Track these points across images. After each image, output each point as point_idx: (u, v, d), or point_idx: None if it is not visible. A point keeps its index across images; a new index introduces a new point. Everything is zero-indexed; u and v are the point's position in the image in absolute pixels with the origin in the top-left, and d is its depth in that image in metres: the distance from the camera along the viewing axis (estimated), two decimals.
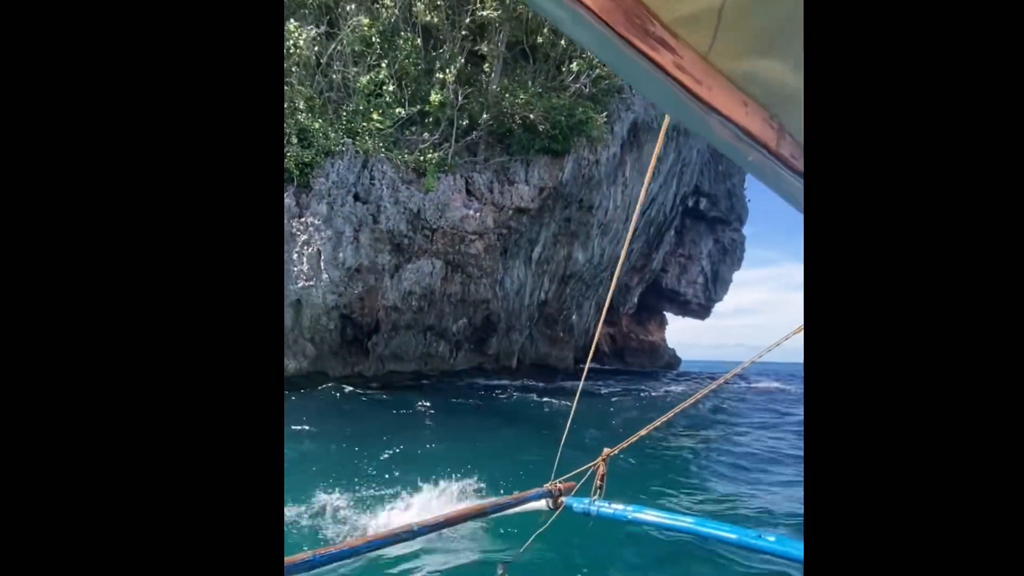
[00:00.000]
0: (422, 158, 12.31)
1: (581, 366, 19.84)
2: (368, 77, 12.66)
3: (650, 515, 2.01)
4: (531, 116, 13.45)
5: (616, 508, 2.06)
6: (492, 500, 2.03)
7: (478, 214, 12.49)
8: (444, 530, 1.76)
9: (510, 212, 13.44)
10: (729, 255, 36.13)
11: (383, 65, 12.84)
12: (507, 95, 13.45)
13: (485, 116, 12.95)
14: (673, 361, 37.94)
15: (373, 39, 12.83)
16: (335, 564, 1.40)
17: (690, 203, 29.31)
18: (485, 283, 12.61)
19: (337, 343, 10.39)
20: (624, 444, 2.19)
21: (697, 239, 34.01)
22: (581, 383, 2.31)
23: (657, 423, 2.21)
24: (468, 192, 13.01)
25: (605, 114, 14.97)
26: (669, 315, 38.33)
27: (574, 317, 19.42)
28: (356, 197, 10.99)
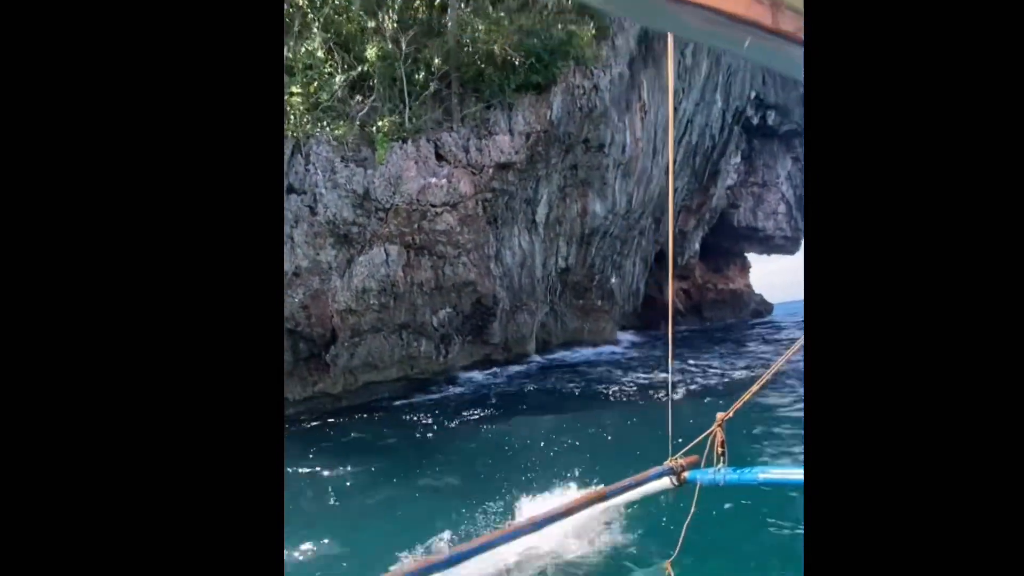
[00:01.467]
0: (374, 128, 10.33)
1: (622, 337, 17.12)
2: (304, 48, 10.82)
3: (783, 473, 1.91)
4: (496, 49, 10.90)
5: (744, 473, 1.95)
6: (612, 485, 1.96)
7: (444, 182, 10.32)
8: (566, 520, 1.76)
9: (490, 171, 11.10)
10: None
11: (315, 30, 10.92)
12: (466, 30, 10.98)
13: (437, 62, 10.60)
14: (762, 308, 33.38)
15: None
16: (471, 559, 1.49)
17: (754, 120, 24.76)
18: (466, 262, 10.48)
19: (289, 363, 8.86)
20: (737, 405, 2.08)
21: (771, 161, 29.01)
22: (671, 349, 2.57)
23: (766, 376, 2.08)
24: (439, 157, 10.85)
25: (593, 27, 11.98)
26: (752, 256, 33.69)
27: (613, 280, 16.70)
28: (290, 189, 9.28)
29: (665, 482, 2.05)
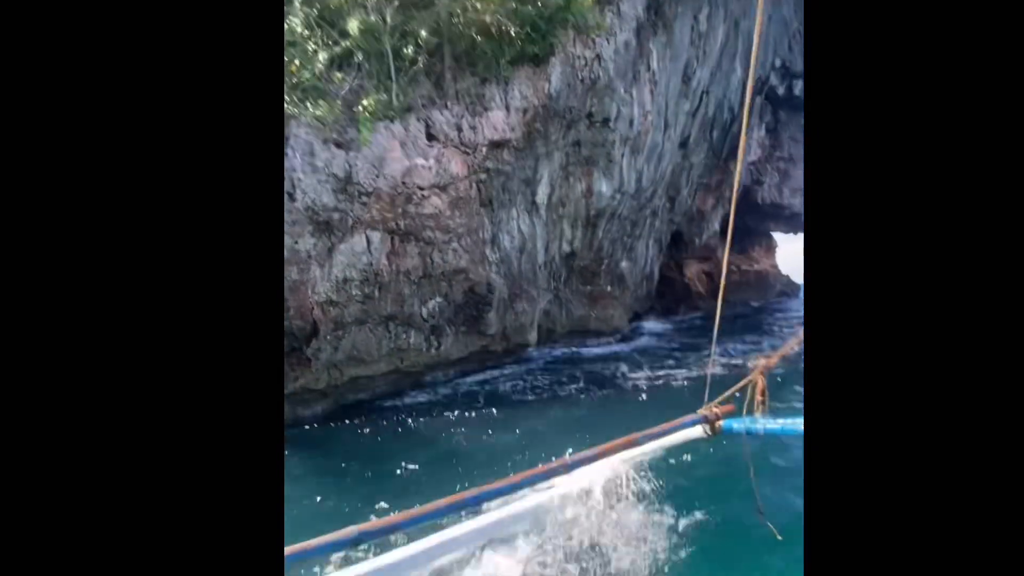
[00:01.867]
0: (360, 106, 9.72)
1: (636, 324, 16.31)
2: (285, 25, 10.22)
3: None
4: (488, 19, 10.11)
5: (784, 423, 1.88)
6: (644, 431, 1.92)
7: (432, 162, 9.68)
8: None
9: (484, 150, 10.40)
10: None
11: (296, 3, 10.30)
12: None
13: (424, 34, 9.88)
14: (789, 290, 31.94)
15: None
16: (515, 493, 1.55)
17: (779, 90, 23.25)
18: (457, 248, 9.87)
19: None
20: (783, 350, 2.04)
21: (798, 134, 27.32)
22: (719, 312, 2.27)
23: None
24: (430, 136, 10.20)
25: None
26: (778, 236, 32.14)
27: (623, 264, 15.88)
28: None
29: (698, 431, 1.95)
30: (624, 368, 11.59)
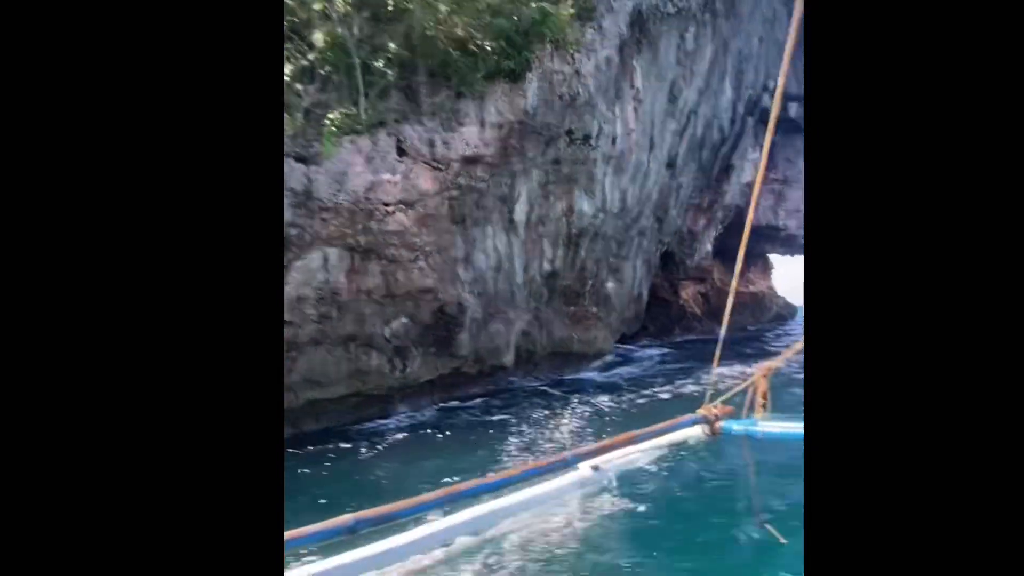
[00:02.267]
0: (326, 120, 9.40)
1: (625, 347, 15.77)
2: None
3: None
4: (458, 31, 9.86)
5: (786, 427, 1.84)
6: (643, 429, 1.92)
7: (399, 178, 9.32)
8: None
9: (456, 167, 10.06)
10: None
11: None
12: (426, 9, 9.97)
13: (393, 47, 9.61)
14: (786, 312, 31.38)
15: None
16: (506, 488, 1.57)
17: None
18: (423, 266, 9.45)
19: None
20: (786, 353, 2.00)
21: (793, 156, 27.01)
22: (727, 316, 2.30)
23: None
24: (400, 151, 9.87)
25: (572, 5, 10.81)
26: (775, 257, 31.70)
27: (610, 285, 15.42)
28: None
29: (697, 431, 1.94)
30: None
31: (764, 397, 1.95)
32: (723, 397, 2.02)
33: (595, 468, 1.80)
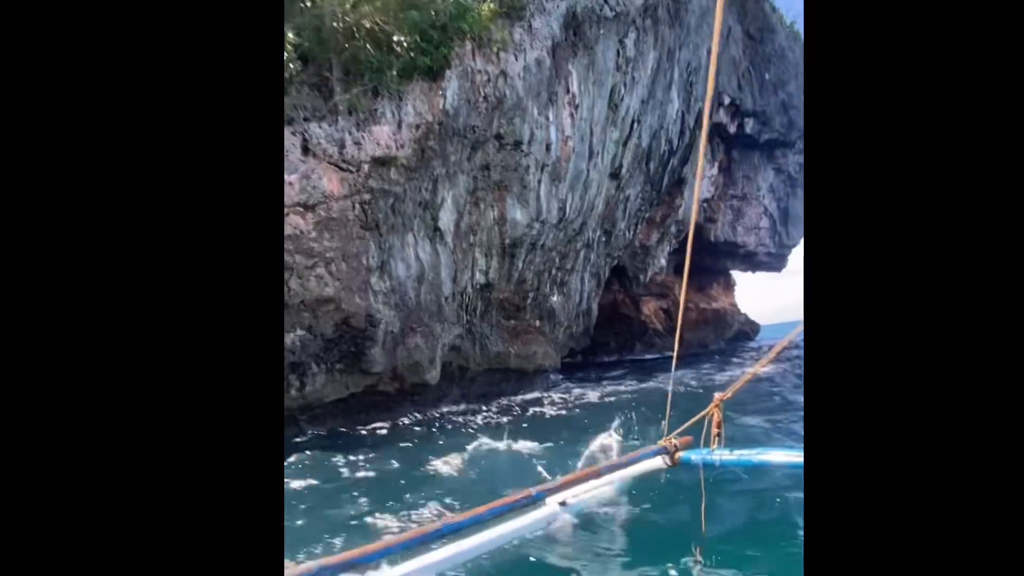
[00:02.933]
0: None
1: (570, 360, 15.06)
2: None
3: (783, 455, 1.81)
4: (367, 24, 9.25)
5: (741, 454, 1.92)
6: (607, 462, 2.00)
7: (297, 179, 8.55)
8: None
9: (366, 168, 9.33)
10: (799, 185, 28.78)
11: None
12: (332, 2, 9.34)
13: (293, 37, 8.93)
14: (748, 329, 31.24)
15: None
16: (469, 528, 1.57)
17: (730, 128, 23.06)
18: (323, 274, 8.63)
19: None
20: (736, 386, 2.06)
21: (752, 173, 27.14)
22: (675, 356, 2.46)
23: (767, 359, 2.20)
24: (306, 151, 9.11)
25: (497, 2, 10.33)
26: (737, 274, 31.63)
27: (554, 299, 14.78)
28: None
29: (658, 462, 1.98)
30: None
31: (719, 427, 1.99)
32: (680, 429, 2.08)
33: (562, 504, 1.80)
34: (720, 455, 1.95)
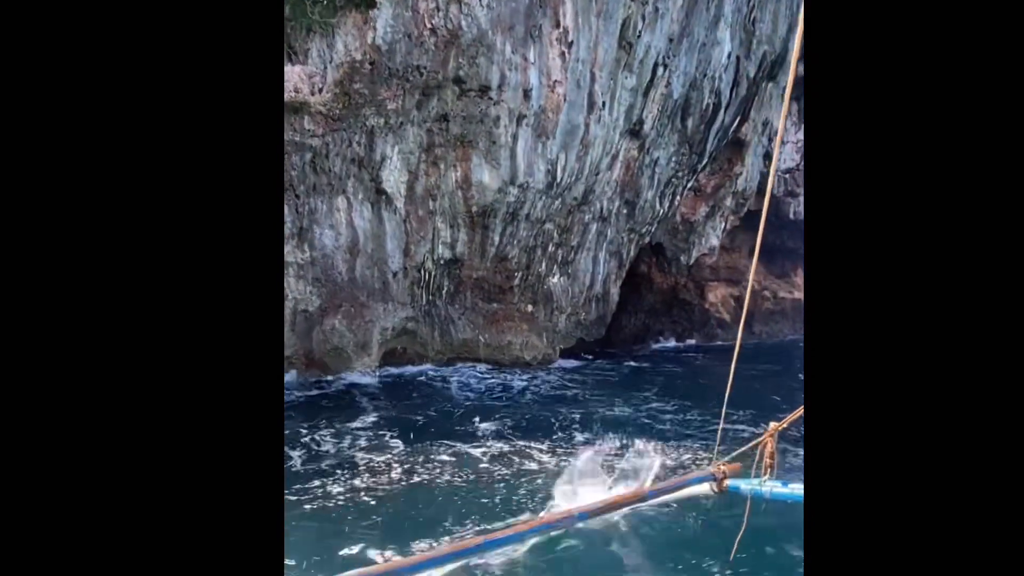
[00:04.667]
0: None
1: (561, 361, 12.72)
2: None
3: None
4: None
5: (794, 488, 1.83)
6: (651, 485, 2.12)
7: None
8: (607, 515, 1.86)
9: None
10: None
11: None
12: None
13: None
14: None
15: None
16: (505, 548, 1.67)
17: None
18: None
19: None
20: (793, 416, 1.90)
21: None
22: (739, 341, 2.15)
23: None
24: None
25: None
26: None
27: (555, 280, 12.69)
28: None
29: (705, 488, 1.90)
30: None
31: (772, 457, 1.90)
32: (731, 455, 2.01)
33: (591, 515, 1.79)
34: (771, 487, 1.85)
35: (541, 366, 12.44)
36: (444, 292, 10.86)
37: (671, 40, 11.64)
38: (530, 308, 12.46)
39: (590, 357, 15.38)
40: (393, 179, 9.39)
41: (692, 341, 21.54)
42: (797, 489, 1.86)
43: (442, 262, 10.53)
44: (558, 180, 11.00)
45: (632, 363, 15.10)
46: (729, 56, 13.47)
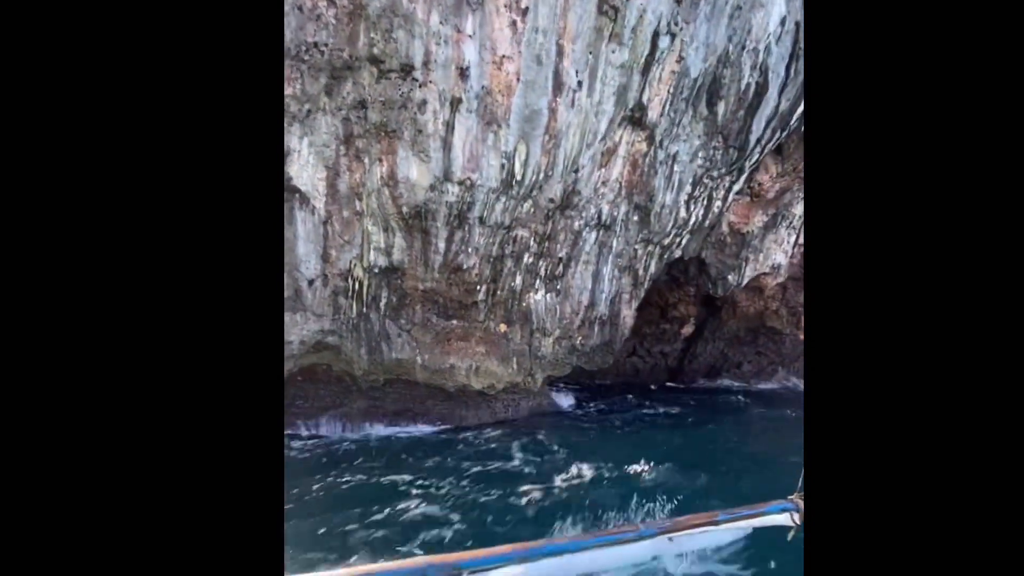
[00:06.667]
0: None
1: (561, 386, 10.43)
2: None
3: None
4: None
5: None
6: (726, 510, 1.91)
7: None
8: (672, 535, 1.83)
9: None
10: None
11: None
12: None
13: None
14: None
15: None
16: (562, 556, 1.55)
17: None
18: None
19: None
20: None
21: None
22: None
23: None
24: None
25: None
26: None
27: (539, 297, 10.77)
28: None
29: (784, 518, 1.79)
30: None
31: None
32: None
33: (670, 539, 1.79)
34: None
35: (509, 400, 10.54)
36: (383, 304, 9.56)
37: (677, 1, 9.14)
38: (503, 328, 10.65)
39: (588, 393, 12.91)
40: (306, 175, 8.36)
41: (767, 385, 17.79)
42: None
43: (376, 270, 9.26)
44: (518, 177, 9.13)
45: (650, 410, 12.40)
46: (783, 22, 10.41)
